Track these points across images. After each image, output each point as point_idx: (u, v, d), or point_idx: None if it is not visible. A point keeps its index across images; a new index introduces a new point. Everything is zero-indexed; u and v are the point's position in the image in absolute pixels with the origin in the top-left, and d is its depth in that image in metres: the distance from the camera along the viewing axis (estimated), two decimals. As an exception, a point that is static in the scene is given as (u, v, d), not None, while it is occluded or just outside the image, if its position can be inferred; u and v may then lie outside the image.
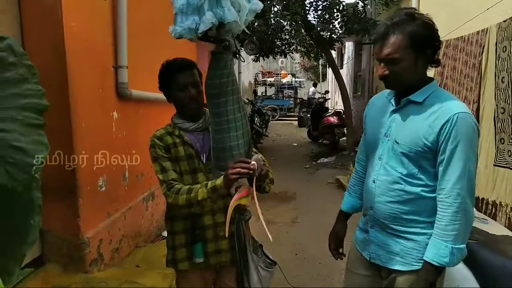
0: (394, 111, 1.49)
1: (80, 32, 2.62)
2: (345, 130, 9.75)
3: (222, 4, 1.30)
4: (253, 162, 1.46)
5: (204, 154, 1.73)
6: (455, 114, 1.33)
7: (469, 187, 1.35)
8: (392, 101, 1.51)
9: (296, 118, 17.26)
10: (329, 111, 11.44)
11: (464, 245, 1.38)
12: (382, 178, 1.50)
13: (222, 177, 1.52)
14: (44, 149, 1.34)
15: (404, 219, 1.47)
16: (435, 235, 1.38)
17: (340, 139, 10.03)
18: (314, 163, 8.62)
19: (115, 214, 3.12)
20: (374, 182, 1.53)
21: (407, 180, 1.43)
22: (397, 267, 1.50)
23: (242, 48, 6.64)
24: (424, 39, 1.38)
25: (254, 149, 1.75)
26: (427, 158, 1.39)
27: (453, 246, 1.34)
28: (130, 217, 3.35)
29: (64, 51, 2.46)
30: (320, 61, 17.95)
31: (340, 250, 1.81)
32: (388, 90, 1.56)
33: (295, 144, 11.64)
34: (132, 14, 3.25)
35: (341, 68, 14.28)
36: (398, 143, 1.44)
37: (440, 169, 1.37)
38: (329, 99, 15.02)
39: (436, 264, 1.36)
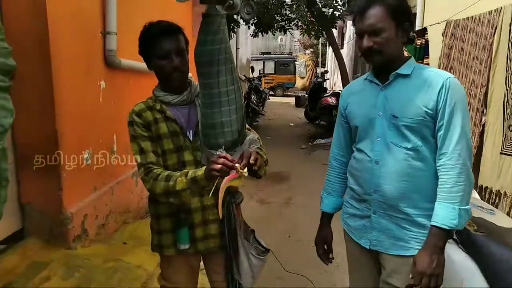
0: (382, 89, 1.48)
1: (64, -7, 2.41)
2: (343, 112, 9.57)
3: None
4: (236, 163, 1.32)
5: (191, 130, 1.56)
6: (446, 79, 1.38)
7: (467, 148, 1.38)
8: (375, 80, 1.50)
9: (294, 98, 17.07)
10: (328, 91, 11.24)
11: (469, 206, 1.38)
12: (387, 157, 1.45)
13: (204, 168, 1.37)
14: (8, 115, 1.18)
15: (413, 199, 1.43)
16: (440, 199, 1.36)
17: (338, 121, 9.85)
18: (310, 143, 8.50)
19: (102, 188, 2.98)
20: (377, 163, 1.46)
21: (412, 154, 1.41)
22: (400, 252, 1.46)
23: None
24: (401, 11, 1.42)
25: (248, 127, 1.60)
26: (428, 126, 1.40)
27: (460, 207, 1.33)
28: (118, 192, 3.22)
29: (45, 15, 2.27)
30: (320, 40, 17.56)
31: (330, 255, 1.75)
32: (363, 76, 1.59)
33: (292, 124, 11.48)
34: (123, -25, 3.02)
35: (342, 48, 13.98)
36: (396, 117, 1.42)
37: (440, 134, 1.38)
38: (328, 79, 14.78)
39: (446, 227, 1.33)
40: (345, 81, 8.96)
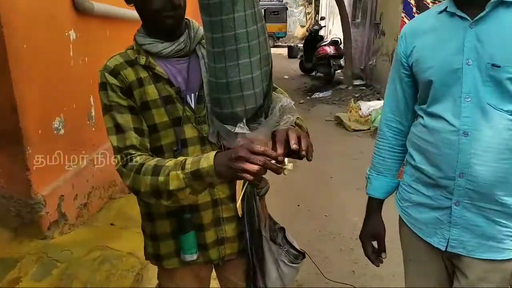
0: (471, 25, 1.03)
1: None
2: (342, 62, 9.03)
3: None
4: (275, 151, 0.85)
5: (192, 94, 1.09)
6: None
7: None
8: (460, 13, 1.05)
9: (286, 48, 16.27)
10: (325, 40, 10.56)
11: None
12: (481, 126, 1.03)
13: (211, 155, 0.90)
14: None
15: None
16: None
17: (336, 72, 9.32)
18: (308, 98, 8.02)
19: (81, 162, 2.51)
20: (465, 135, 1.04)
21: None
22: (491, 255, 1.11)
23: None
24: None
25: (275, 86, 1.13)
26: None
27: None
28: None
29: None
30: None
31: (383, 255, 1.34)
32: (436, 8, 1.15)
33: (286, 77, 10.90)
34: None
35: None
36: (498, 66, 0.99)
37: None
38: (324, 26, 13.98)
39: None
40: (345, 27, 8.32)
